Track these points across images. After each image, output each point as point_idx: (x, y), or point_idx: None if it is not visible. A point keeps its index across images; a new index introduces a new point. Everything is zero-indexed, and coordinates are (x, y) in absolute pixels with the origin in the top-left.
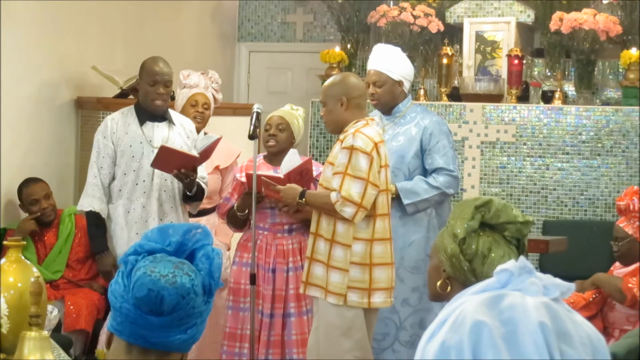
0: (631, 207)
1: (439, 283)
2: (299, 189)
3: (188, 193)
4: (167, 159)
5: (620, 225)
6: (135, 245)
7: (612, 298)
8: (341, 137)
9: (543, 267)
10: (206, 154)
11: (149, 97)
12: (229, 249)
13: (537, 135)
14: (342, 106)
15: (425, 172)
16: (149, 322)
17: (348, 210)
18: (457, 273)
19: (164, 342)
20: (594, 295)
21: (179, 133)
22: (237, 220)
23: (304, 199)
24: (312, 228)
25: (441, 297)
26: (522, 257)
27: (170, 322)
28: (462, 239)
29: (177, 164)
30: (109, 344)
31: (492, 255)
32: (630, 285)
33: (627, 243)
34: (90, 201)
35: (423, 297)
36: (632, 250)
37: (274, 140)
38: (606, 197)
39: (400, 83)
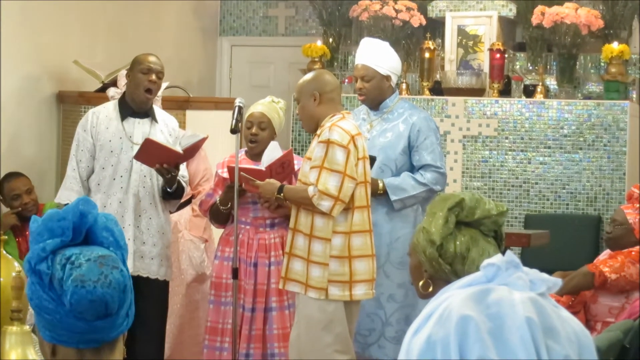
0: None
1: (421, 283)
2: (277, 184)
3: (168, 189)
4: (150, 152)
5: (624, 210)
6: (36, 250)
7: (581, 287)
8: (318, 132)
9: (525, 261)
10: (191, 152)
11: (141, 86)
12: (204, 242)
13: (519, 129)
14: (315, 101)
15: (412, 169)
16: (97, 327)
17: (325, 204)
18: (438, 274)
19: (115, 335)
20: (572, 299)
21: (160, 130)
22: (220, 215)
23: (282, 194)
24: (291, 223)
25: (429, 294)
26: (509, 252)
27: (117, 317)
28: (439, 245)
29: (160, 159)
30: (53, 353)
31: (472, 254)
32: (597, 265)
33: (622, 229)
34: (69, 194)
35: (409, 293)
36: (624, 237)
37: (256, 141)
38: (588, 190)
39: (388, 78)
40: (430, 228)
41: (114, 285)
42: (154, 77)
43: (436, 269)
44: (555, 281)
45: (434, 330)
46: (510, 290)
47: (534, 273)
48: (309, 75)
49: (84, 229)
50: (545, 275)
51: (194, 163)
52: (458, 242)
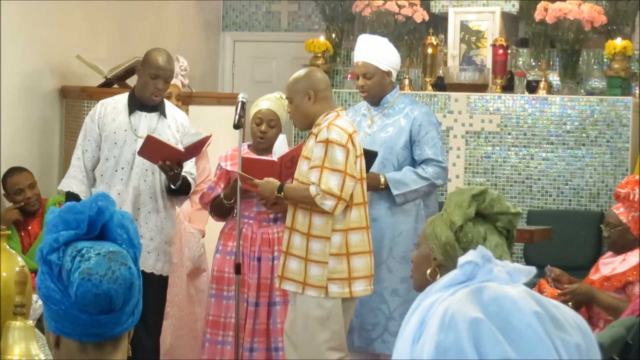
0: (631, 197)
1: (429, 271)
2: (277, 182)
3: (172, 186)
4: (152, 148)
5: (615, 211)
6: (49, 240)
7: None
8: (314, 130)
9: (527, 257)
10: (194, 150)
11: (147, 89)
12: (203, 236)
13: (522, 125)
14: (310, 100)
15: (414, 163)
16: (100, 322)
17: (328, 203)
18: (449, 261)
19: (118, 331)
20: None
21: (168, 126)
22: (222, 208)
23: (282, 193)
24: (288, 222)
25: (427, 286)
26: (480, 247)
27: (122, 314)
28: (459, 227)
29: (162, 156)
30: (56, 344)
31: (487, 244)
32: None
33: (619, 231)
34: (70, 182)
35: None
36: (624, 238)
37: (265, 138)
38: (590, 187)
39: (388, 73)
40: (452, 210)
41: (120, 281)
42: (160, 84)
43: (449, 255)
44: (529, 269)
45: (441, 337)
46: (501, 286)
47: (507, 265)
48: (300, 74)
49: (100, 224)
50: (518, 265)
51: (201, 162)
52: (476, 230)
